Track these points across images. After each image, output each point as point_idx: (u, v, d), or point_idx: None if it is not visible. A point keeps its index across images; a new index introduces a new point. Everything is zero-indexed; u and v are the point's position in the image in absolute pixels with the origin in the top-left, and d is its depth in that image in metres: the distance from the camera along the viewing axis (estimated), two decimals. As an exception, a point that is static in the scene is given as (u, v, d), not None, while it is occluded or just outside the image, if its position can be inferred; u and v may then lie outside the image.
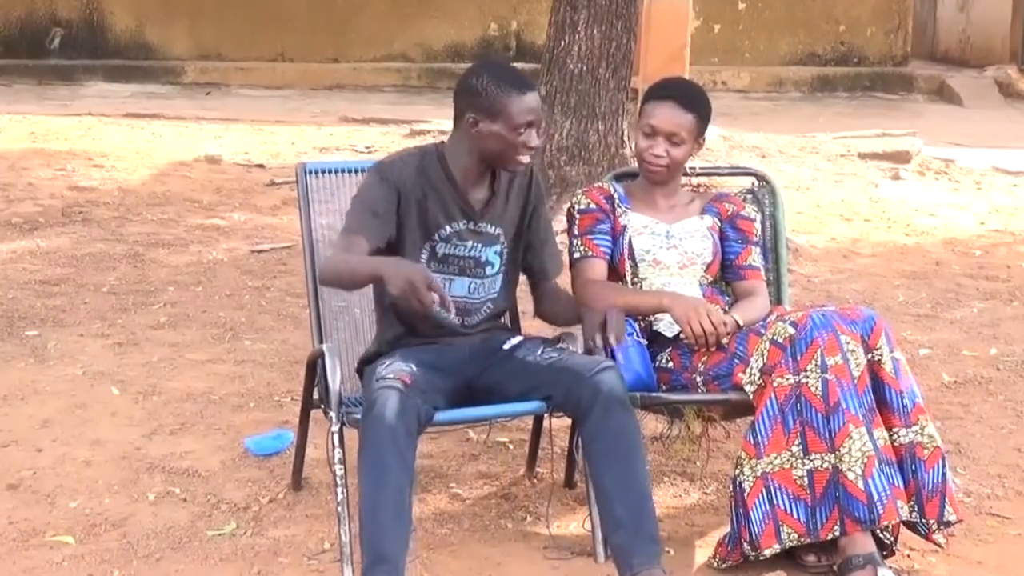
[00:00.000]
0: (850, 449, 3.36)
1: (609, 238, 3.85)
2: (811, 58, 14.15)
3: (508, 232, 3.63)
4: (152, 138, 9.38)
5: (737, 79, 13.84)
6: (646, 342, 3.74)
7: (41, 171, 8.07)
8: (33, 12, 13.49)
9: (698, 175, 4.17)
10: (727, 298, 3.89)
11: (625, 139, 7.03)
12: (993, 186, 8.78)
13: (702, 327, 3.59)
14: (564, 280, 3.86)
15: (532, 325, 4.04)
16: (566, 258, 3.89)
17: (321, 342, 3.73)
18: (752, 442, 3.46)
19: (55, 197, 7.46)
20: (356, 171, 3.91)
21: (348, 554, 3.34)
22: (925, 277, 6.58)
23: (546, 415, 3.61)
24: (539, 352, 3.54)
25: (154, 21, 13.54)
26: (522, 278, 3.78)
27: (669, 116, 3.81)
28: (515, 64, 4.46)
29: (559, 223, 4.97)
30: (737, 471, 3.50)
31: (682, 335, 3.67)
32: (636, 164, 3.96)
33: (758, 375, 3.49)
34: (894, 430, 3.47)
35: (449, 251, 3.55)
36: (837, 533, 3.39)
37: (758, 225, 4.02)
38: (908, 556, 3.60)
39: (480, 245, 3.58)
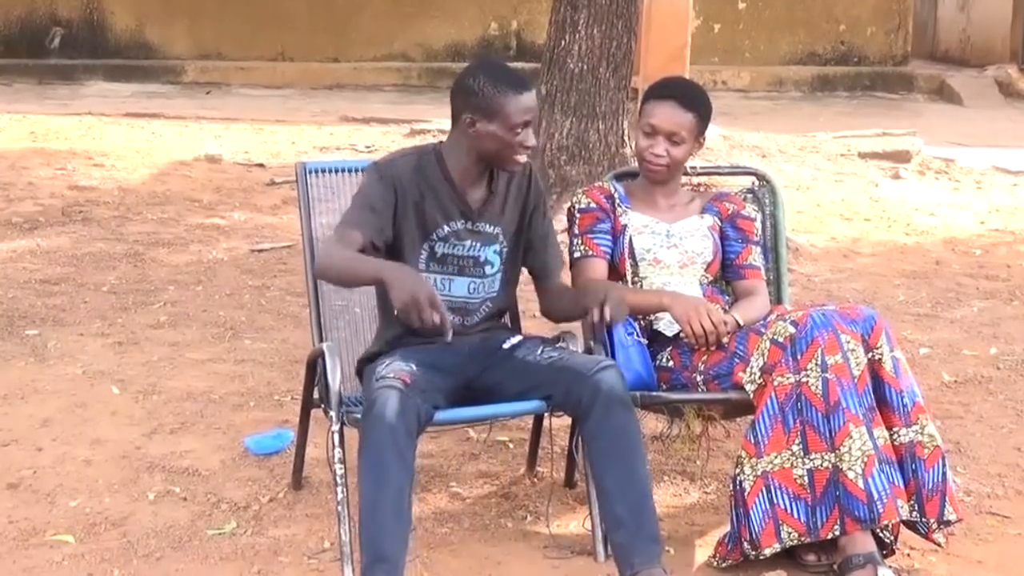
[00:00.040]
0: (850, 448, 3.36)
1: (609, 237, 3.85)
2: (811, 58, 14.15)
3: (507, 231, 3.63)
4: (152, 137, 9.39)
5: (737, 78, 13.84)
6: (646, 341, 3.74)
7: (41, 170, 8.07)
8: (33, 11, 13.49)
9: (698, 174, 4.16)
10: (727, 297, 3.89)
11: (625, 138, 7.03)
12: (993, 185, 8.78)
13: (702, 326, 3.59)
14: (564, 279, 3.85)
15: (532, 325, 4.04)
16: (566, 257, 3.89)
17: (321, 341, 3.73)
18: (752, 441, 3.46)
19: (55, 196, 7.46)
20: (356, 170, 3.91)
21: (348, 553, 3.34)
22: (925, 276, 6.58)
23: (546, 414, 3.61)
24: (539, 351, 3.54)
25: (154, 20, 13.54)
26: (524, 278, 3.78)
27: (669, 115, 3.81)
28: (515, 64, 4.46)
29: (559, 222, 4.96)
30: (737, 470, 3.50)
31: (682, 334, 3.67)
32: (636, 163, 3.96)
33: (758, 374, 3.50)
34: (894, 429, 3.47)
35: (448, 251, 3.55)
36: (837, 532, 3.39)
37: (758, 224, 4.02)
38: (908, 555, 3.60)
39: (479, 244, 3.58)
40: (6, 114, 10.05)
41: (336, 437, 3.37)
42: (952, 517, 3.52)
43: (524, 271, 3.77)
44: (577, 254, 3.86)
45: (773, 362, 3.46)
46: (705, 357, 3.67)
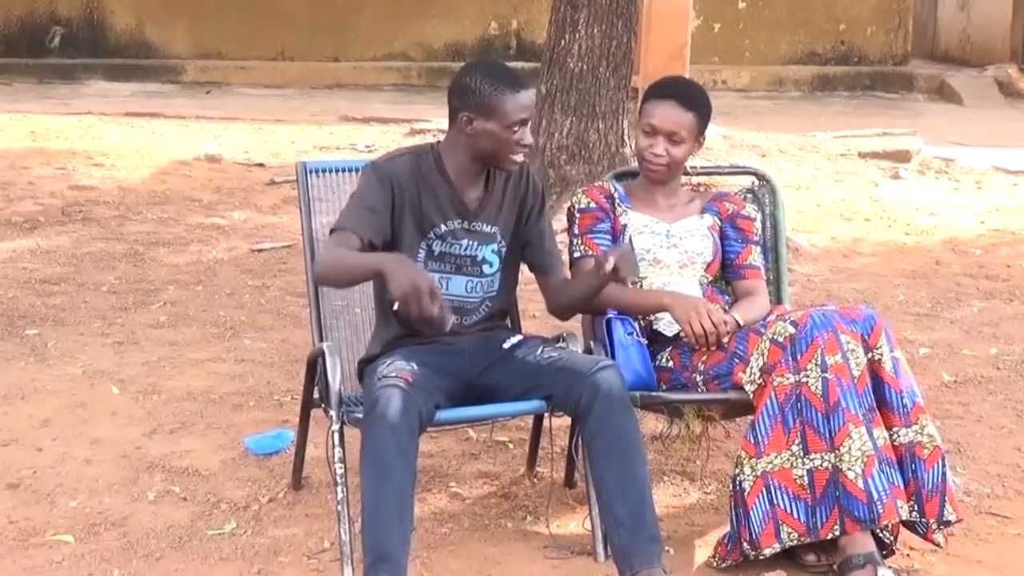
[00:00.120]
0: (850, 448, 3.36)
1: (609, 237, 3.85)
2: (811, 57, 14.15)
3: (506, 231, 3.63)
4: (152, 137, 9.39)
5: (737, 78, 13.84)
6: (646, 341, 3.74)
7: (41, 170, 8.07)
8: (33, 11, 13.48)
9: (698, 174, 4.17)
10: (727, 297, 3.89)
11: (625, 138, 7.03)
12: (993, 185, 8.79)
13: (702, 326, 3.59)
14: (565, 274, 3.84)
15: (532, 325, 4.04)
16: (566, 257, 3.89)
17: (321, 341, 3.73)
18: (752, 441, 3.46)
19: (55, 196, 7.46)
20: (356, 170, 3.90)
21: (348, 553, 3.34)
22: (925, 276, 6.58)
23: (546, 414, 3.61)
24: (539, 351, 3.54)
25: (154, 20, 13.53)
26: (524, 279, 3.78)
27: (669, 115, 3.81)
28: (515, 63, 4.46)
29: (559, 222, 4.97)
30: (737, 470, 3.50)
31: (682, 334, 3.67)
32: (636, 163, 3.96)
33: (758, 374, 3.50)
34: (894, 429, 3.47)
35: (445, 249, 3.56)
36: (837, 532, 3.39)
37: (758, 224, 4.02)
38: (908, 555, 3.60)
39: (476, 244, 3.58)
40: (6, 114, 10.05)
41: (336, 437, 3.37)
42: (952, 517, 3.52)
43: (524, 272, 3.77)
44: (577, 254, 3.85)
45: (773, 362, 3.46)
46: (705, 357, 3.66)
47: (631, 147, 6.59)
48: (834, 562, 3.45)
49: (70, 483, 3.95)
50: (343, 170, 3.96)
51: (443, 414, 3.38)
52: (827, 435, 3.39)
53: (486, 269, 3.60)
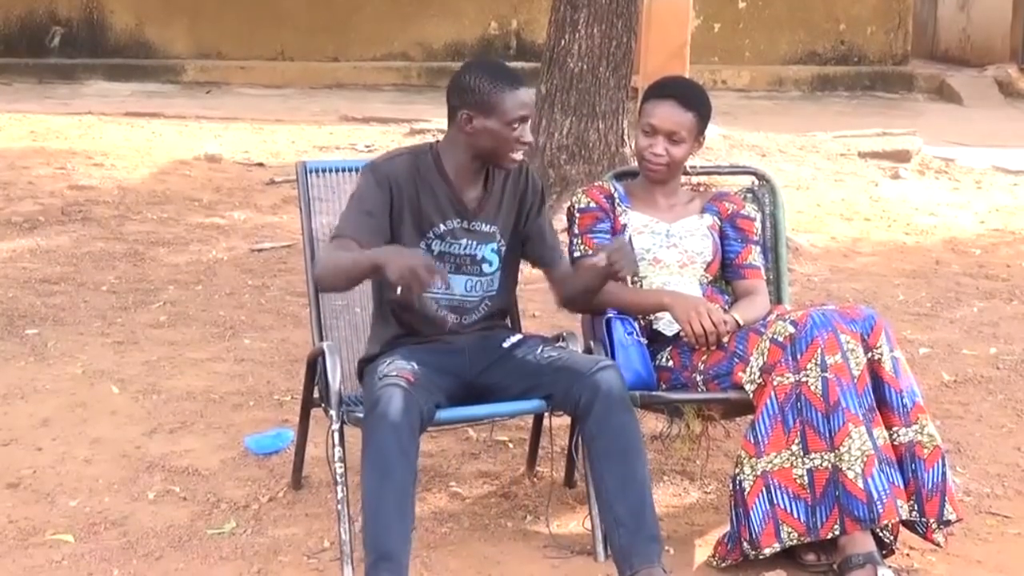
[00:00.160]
0: (850, 448, 3.36)
1: (609, 237, 3.85)
2: (811, 57, 14.15)
3: (505, 230, 3.63)
4: (152, 137, 9.39)
5: (737, 78, 13.84)
6: (646, 341, 3.74)
7: (41, 170, 8.07)
8: (33, 11, 13.48)
9: (698, 174, 4.17)
10: (727, 297, 3.89)
11: (625, 138, 7.03)
12: (993, 185, 8.78)
13: (702, 326, 3.59)
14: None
15: (532, 324, 4.04)
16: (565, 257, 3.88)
17: (321, 340, 3.73)
18: (752, 441, 3.46)
19: (55, 196, 7.46)
20: (356, 170, 3.90)
21: (348, 553, 3.34)
22: (925, 276, 6.58)
23: (546, 414, 3.61)
24: (539, 351, 3.54)
25: (154, 20, 13.53)
26: (524, 279, 3.78)
27: (669, 115, 3.81)
28: (515, 63, 4.46)
29: (559, 222, 4.96)
30: (737, 470, 3.50)
31: (682, 334, 3.67)
32: (636, 163, 3.96)
33: (758, 374, 3.50)
34: (894, 429, 3.47)
35: (444, 248, 3.56)
36: (837, 532, 3.39)
37: (758, 224, 4.02)
38: (908, 555, 3.60)
39: (475, 243, 3.58)
40: (6, 113, 10.05)
41: (336, 436, 3.38)
42: (952, 517, 3.52)
43: (524, 272, 3.77)
44: (577, 253, 3.85)
45: (773, 362, 3.46)
46: (705, 357, 3.66)
47: (631, 147, 6.59)
48: (834, 562, 3.45)
49: (70, 483, 3.95)
50: (343, 170, 3.96)
51: (443, 413, 3.38)
52: (827, 435, 3.39)
53: (485, 268, 3.60)
